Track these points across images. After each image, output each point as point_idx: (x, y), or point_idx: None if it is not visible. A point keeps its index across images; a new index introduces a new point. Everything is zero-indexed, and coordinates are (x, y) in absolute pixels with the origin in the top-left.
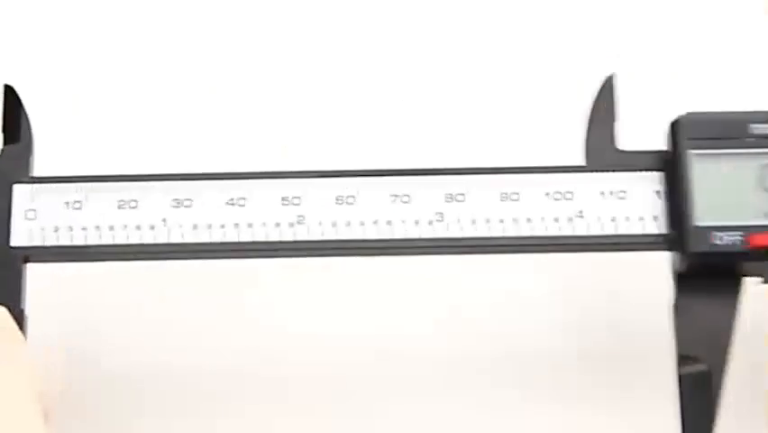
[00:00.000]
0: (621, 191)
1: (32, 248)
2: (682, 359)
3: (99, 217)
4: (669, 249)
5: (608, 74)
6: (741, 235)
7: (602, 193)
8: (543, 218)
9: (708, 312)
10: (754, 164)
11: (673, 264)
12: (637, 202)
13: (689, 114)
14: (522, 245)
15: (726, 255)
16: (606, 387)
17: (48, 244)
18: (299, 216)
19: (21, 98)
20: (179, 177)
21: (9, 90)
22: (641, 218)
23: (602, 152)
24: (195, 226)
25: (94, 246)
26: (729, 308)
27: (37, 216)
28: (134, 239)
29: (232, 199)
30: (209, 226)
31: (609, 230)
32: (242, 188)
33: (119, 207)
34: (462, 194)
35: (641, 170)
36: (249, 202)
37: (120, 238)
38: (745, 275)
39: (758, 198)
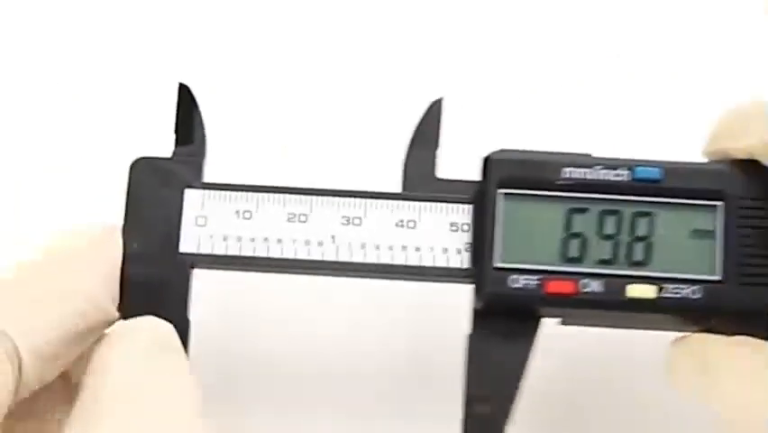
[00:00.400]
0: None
1: (199, 255)
2: (470, 398)
3: (268, 229)
4: (472, 283)
5: (439, 96)
6: (538, 280)
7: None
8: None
9: (500, 351)
10: (560, 208)
11: (472, 299)
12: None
13: (502, 151)
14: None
15: (521, 298)
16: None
17: (216, 252)
18: (467, 244)
19: (195, 98)
20: (350, 193)
21: (183, 89)
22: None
23: (419, 179)
24: (363, 246)
25: (261, 258)
26: (523, 348)
27: (207, 223)
28: (302, 254)
29: (401, 221)
30: (377, 247)
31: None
32: (411, 209)
33: (288, 220)
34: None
35: (453, 202)
36: (419, 225)
37: (288, 252)
38: (543, 316)
39: (560, 244)
